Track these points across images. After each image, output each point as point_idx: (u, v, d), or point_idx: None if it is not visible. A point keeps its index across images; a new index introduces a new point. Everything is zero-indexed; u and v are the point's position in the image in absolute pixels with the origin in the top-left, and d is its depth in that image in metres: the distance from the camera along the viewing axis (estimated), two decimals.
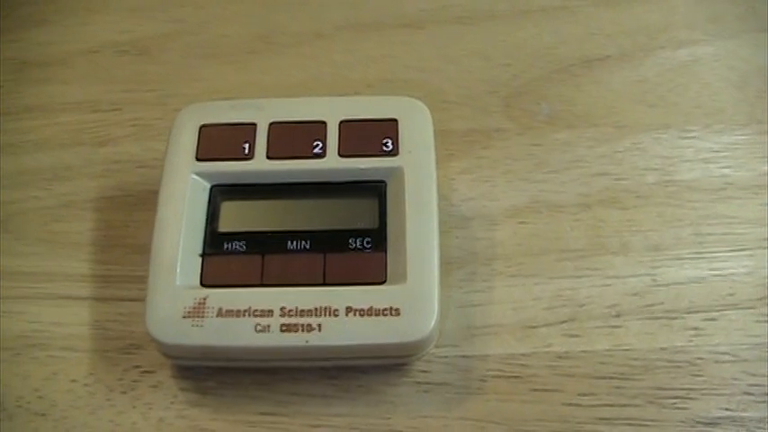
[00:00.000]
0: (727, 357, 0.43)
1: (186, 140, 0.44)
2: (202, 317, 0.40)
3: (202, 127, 0.45)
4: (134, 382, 0.43)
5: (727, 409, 0.42)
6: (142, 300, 0.41)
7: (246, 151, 0.44)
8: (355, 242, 0.42)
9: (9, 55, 0.56)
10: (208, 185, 0.44)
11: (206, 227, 0.43)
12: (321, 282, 0.41)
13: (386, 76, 0.53)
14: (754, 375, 0.42)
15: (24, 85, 0.55)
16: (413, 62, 0.54)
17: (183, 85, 0.54)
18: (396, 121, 0.44)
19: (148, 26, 0.57)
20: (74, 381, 0.43)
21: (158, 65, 0.55)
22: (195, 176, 0.44)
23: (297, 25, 0.56)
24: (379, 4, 0.56)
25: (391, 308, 0.40)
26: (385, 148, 0.44)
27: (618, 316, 0.44)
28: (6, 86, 0.55)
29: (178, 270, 0.41)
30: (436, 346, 0.42)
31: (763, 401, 0.42)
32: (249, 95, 0.48)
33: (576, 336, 0.44)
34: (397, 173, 0.43)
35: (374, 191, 0.43)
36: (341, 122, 0.45)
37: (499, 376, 0.43)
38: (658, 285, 0.45)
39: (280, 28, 0.56)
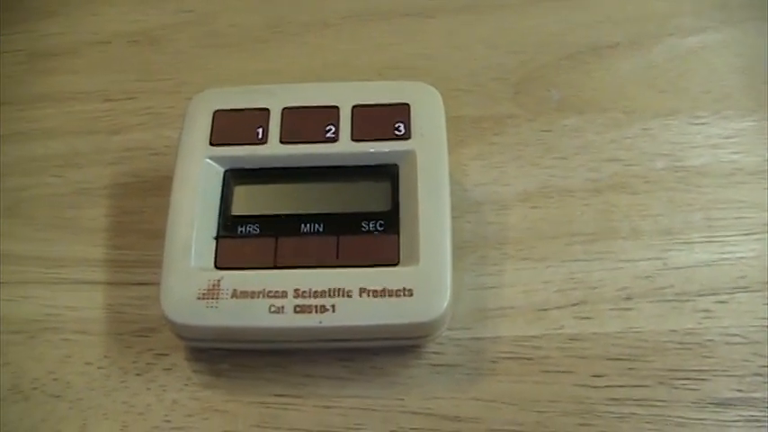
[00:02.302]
0: (737, 339, 0.43)
1: (200, 125, 0.45)
2: (217, 298, 0.40)
3: (216, 112, 0.45)
4: (148, 364, 0.43)
5: (737, 390, 0.42)
6: (156, 284, 0.42)
7: (260, 136, 0.44)
8: (368, 225, 0.42)
9: (20, 46, 0.56)
10: (222, 170, 0.44)
11: (220, 210, 0.43)
12: (334, 264, 0.41)
13: (394, 63, 0.53)
14: (764, 357, 0.43)
15: (35, 76, 0.55)
16: (421, 50, 0.54)
17: (193, 74, 0.54)
18: (408, 105, 0.45)
19: (158, 16, 0.57)
20: (88, 363, 0.44)
21: (168, 54, 0.56)
22: (209, 161, 0.44)
23: (305, 14, 0.56)
24: None
25: (404, 289, 0.40)
26: (397, 132, 0.44)
27: (629, 298, 0.44)
28: (17, 77, 0.55)
29: (193, 252, 0.42)
30: (448, 329, 0.42)
31: None
32: (258, 84, 0.48)
33: (588, 318, 0.44)
34: (410, 156, 0.43)
35: (387, 174, 0.44)
36: (353, 107, 0.45)
37: (511, 358, 0.43)
38: (669, 269, 0.45)
39: (288, 17, 0.56)
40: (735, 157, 0.49)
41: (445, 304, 0.40)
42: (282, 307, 0.40)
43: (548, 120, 0.51)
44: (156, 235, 0.43)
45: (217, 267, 0.42)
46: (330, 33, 0.55)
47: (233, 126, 0.45)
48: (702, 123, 0.50)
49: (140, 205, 0.48)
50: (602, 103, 0.51)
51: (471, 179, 0.48)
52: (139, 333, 0.44)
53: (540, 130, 0.50)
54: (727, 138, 0.49)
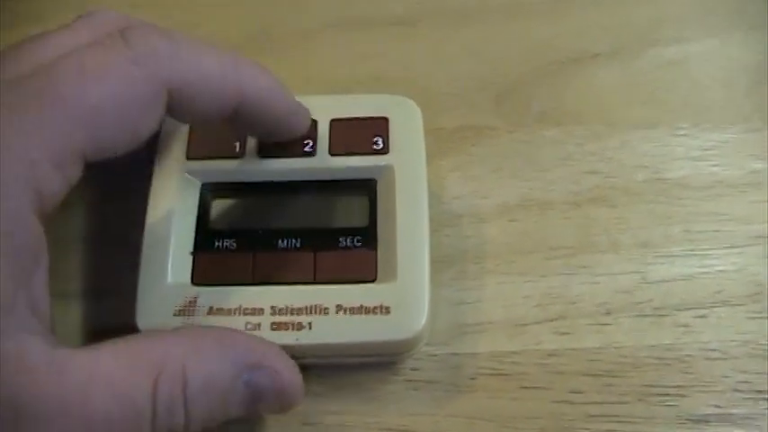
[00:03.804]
0: (716, 354, 0.43)
1: (177, 138, 0.44)
2: (193, 315, 0.40)
3: None
4: None
5: (716, 406, 0.42)
6: (133, 296, 0.41)
7: (237, 149, 0.44)
8: (346, 240, 0.42)
9: None
10: (198, 183, 0.44)
11: (197, 225, 0.43)
12: (312, 280, 0.41)
13: (376, 73, 0.53)
14: (743, 372, 0.43)
15: None
16: (403, 60, 0.53)
17: None
18: (386, 119, 0.44)
19: None
20: None
21: None
22: (186, 174, 0.44)
23: (285, 23, 0.56)
24: (369, 2, 0.56)
25: (381, 306, 0.40)
26: (375, 147, 0.44)
27: (608, 313, 0.44)
28: None
29: (169, 268, 0.41)
30: (426, 344, 0.42)
31: (752, 398, 0.42)
32: None
33: (566, 333, 0.44)
34: (388, 171, 0.43)
35: (364, 189, 0.43)
36: (331, 121, 0.45)
37: (489, 374, 0.43)
38: (648, 283, 0.45)
39: (270, 25, 0.56)
40: (715, 169, 0.49)
41: (423, 322, 0.40)
42: (259, 324, 0.40)
43: (528, 131, 0.50)
44: (133, 246, 0.43)
45: (193, 283, 0.41)
46: (311, 43, 0.55)
47: (210, 139, 0.44)
48: (683, 135, 0.50)
49: (117, 215, 0.47)
50: (583, 114, 0.51)
51: (450, 191, 0.48)
52: None
53: (519, 142, 0.50)
54: (708, 150, 0.49)
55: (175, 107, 0.37)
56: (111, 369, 0.33)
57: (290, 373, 0.38)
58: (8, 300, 0.32)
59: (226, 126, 0.41)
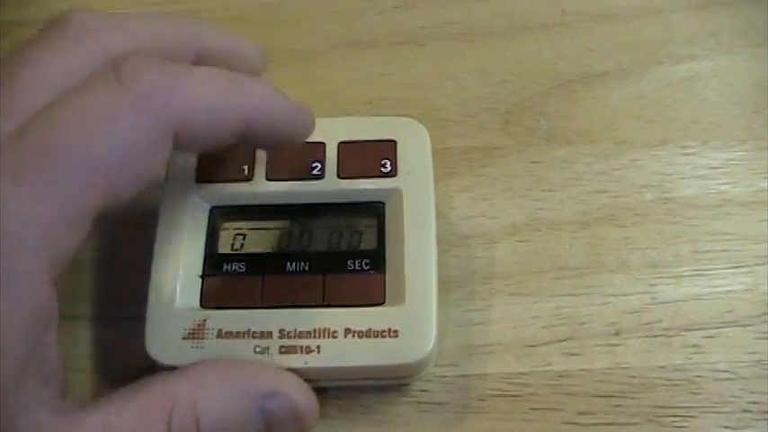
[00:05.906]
0: (726, 375, 0.43)
1: (185, 161, 0.45)
2: (202, 338, 0.40)
3: None
4: None
5: (726, 427, 0.42)
6: (142, 319, 0.41)
7: (246, 173, 0.44)
8: (354, 263, 0.42)
9: None
10: (207, 206, 0.44)
11: (206, 248, 0.43)
12: (320, 303, 0.41)
13: (384, 93, 0.53)
14: (753, 393, 0.42)
15: None
16: (411, 79, 0.54)
17: None
18: (394, 142, 0.45)
19: None
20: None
21: None
22: (195, 198, 0.44)
23: (293, 43, 0.56)
24: (375, 21, 0.56)
25: (390, 329, 0.40)
26: (383, 170, 0.44)
27: (617, 334, 0.44)
28: None
29: (178, 292, 0.41)
30: (435, 366, 0.42)
31: (763, 419, 0.42)
32: None
33: (576, 354, 0.44)
34: (396, 194, 0.43)
35: (373, 212, 0.44)
36: (339, 143, 0.45)
37: (498, 395, 0.43)
38: (657, 303, 0.45)
39: (276, 46, 0.56)
40: (724, 188, 0.49)
41: (430, 346, 0.40)
42: (268, 347, 0.40)
43: (537, 150, 0.50)
44: (142, 270, 0.43)
45: (202, 307, 0.42)
46: (320, 62, 0.55)
47: (219, 162, 0.44)
48: (691, 153, 0.50)
49: (126, 239, 0.48)
50: (592, 133, 0.51)
51: (459, 212, 0.48)
52: (126, 369, 0.43)
53: (529, 162, 0.50)
54: (716, 168, 0.49)
55: (181, 142, 0.35)
56: (122, 427, 0.33)
57: (304, 396, 0.38)
58: (21, 374, 0.32)
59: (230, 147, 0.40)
